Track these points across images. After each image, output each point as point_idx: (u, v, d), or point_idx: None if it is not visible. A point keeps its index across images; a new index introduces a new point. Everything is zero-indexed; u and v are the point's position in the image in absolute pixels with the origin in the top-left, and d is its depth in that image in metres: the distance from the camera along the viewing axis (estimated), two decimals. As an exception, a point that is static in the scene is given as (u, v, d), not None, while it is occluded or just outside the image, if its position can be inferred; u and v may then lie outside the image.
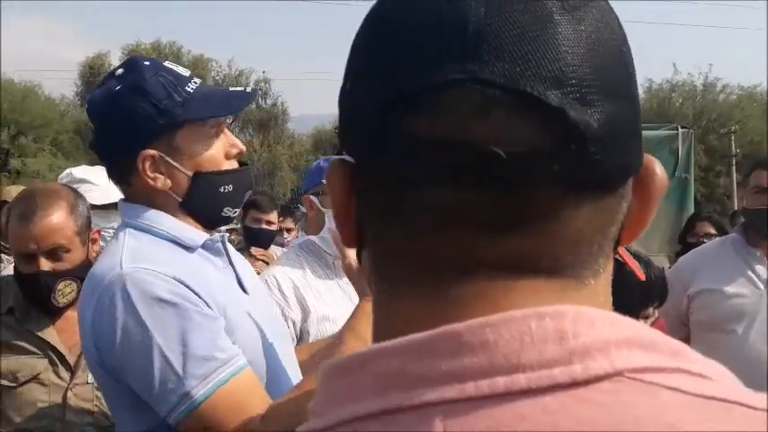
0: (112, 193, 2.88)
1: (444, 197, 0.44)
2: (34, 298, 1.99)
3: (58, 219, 1.95)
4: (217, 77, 36.44)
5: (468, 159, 0.43)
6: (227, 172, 1.46)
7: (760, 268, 2.57)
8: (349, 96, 0.49)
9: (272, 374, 1.44)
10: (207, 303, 1.33)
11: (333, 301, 2.29)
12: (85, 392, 2.00)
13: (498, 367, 0.41)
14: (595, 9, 0.46)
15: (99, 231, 2.17)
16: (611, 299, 0.49)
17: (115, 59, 36.46)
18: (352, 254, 1.40)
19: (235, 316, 1.39)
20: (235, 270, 1.53)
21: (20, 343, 1.98)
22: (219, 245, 1.51)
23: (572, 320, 0.42)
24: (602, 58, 0.45)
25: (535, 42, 0.43)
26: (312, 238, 2.42)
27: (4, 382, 1.96)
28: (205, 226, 1.49)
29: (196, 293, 1.32)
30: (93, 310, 1.32)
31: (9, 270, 2.63)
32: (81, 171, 2.97)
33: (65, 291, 1.98)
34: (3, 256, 4.16)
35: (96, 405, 2.01)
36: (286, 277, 2.22)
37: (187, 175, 1.42)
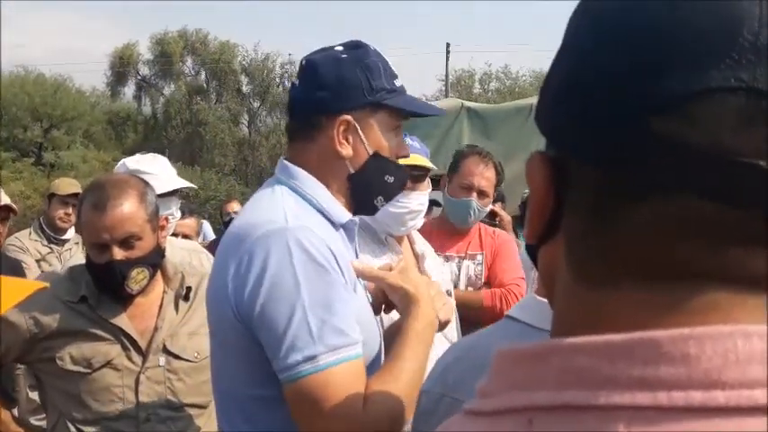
0: (169, 183, 2.94)
1: (684, 205, 0.43)
2: (107, 286, 2.03)
3: (129, 208, 1.99)
4: (243, 62, 36.48)
5: (724, 170, 0.42)
6: (396, 164, 1.57)
7: None
8: (582, 80, 0.47)
9: (374, 358, 1.49)
10: (345, 279, 1.39)
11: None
12: (157, 375, 2.06)
13: (696, 381, 0.40)
14: None
15: (167, 218, 2.21)
16: None
17: (144, 49, 36.72)
18: (388, 273, 1.49)
19: (359, 296, 1.45)
20: (357, 255, 1.60)
21: (93, 330, 2.03)
22: (355, 229, 1.58)
23: None
24: None
25: None
26: None
27: (79, 369, 2.01)
28: (354, 207, 1.56)
29: (339, 267, 1.38)
30: (241, 256, 1.35)
31: (74, 260, 2.69)
32: (133, 162, 3.01)
33: (137, 278, 2.02)
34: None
35: (168, 387, 2.06)
36: None
37: (368, 152, 1.51)
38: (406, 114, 1.56)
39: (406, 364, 1.37)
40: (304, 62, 1.55)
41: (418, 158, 2.42)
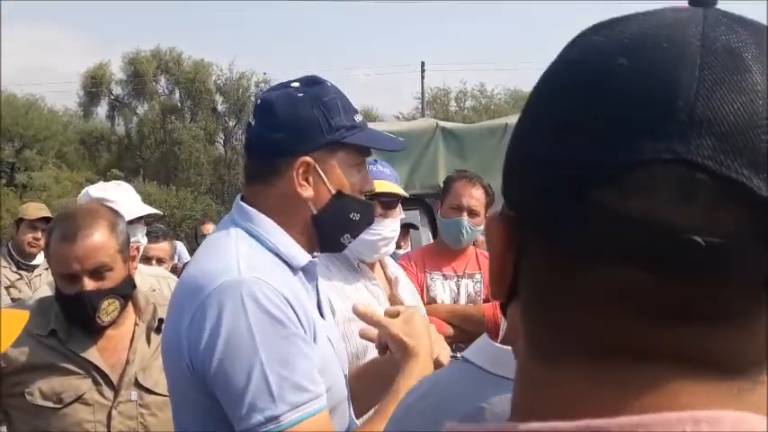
0: (133, 210, 2.92)
1: (625, 278, 0.42)
2: (77, 318, 1.99)
3: (100, 238, 1.95)
4: (218, 81, 36.40)
5: (661, 244, 0.41)
6: (361, 201, 1.52)
7: None
8: (528, 148, 0.47)
9: (340, 402, 1.47)
10: (304, 328, 1.35)
11: (359, 303, 2.30)
12: (129, 410, 2.01)
13: None
14: None
15: (138, 248, 2.18)
16: None
17: (116, 68, 36.51)
18: (391, 322, 1.47)
19: (319, 342, 1.41)
20: (318, 294, 1.55)
21: (63, 364, 1.99)
22: (315, 269, 1.53)
23: (730, 426, 0.40)
24: None
25: (754, 124, 0.40)
26: None
27: (49, 404, 1.96)
28: (320, 246, 1.52)
29: (297, 316, 1.34)
30: (195, 309, 1.30)
31: (42, 291, 2.64)
32: (97, 190, 3.00)
33: (108, 309, 1.98)
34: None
35: (141, 422, 2.02)
36: None
37: (330, 192, 1.46)
38: (367, 150, 1.53)
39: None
40: (259, 101, 1.51)
41: (389, 185, 2.43)
